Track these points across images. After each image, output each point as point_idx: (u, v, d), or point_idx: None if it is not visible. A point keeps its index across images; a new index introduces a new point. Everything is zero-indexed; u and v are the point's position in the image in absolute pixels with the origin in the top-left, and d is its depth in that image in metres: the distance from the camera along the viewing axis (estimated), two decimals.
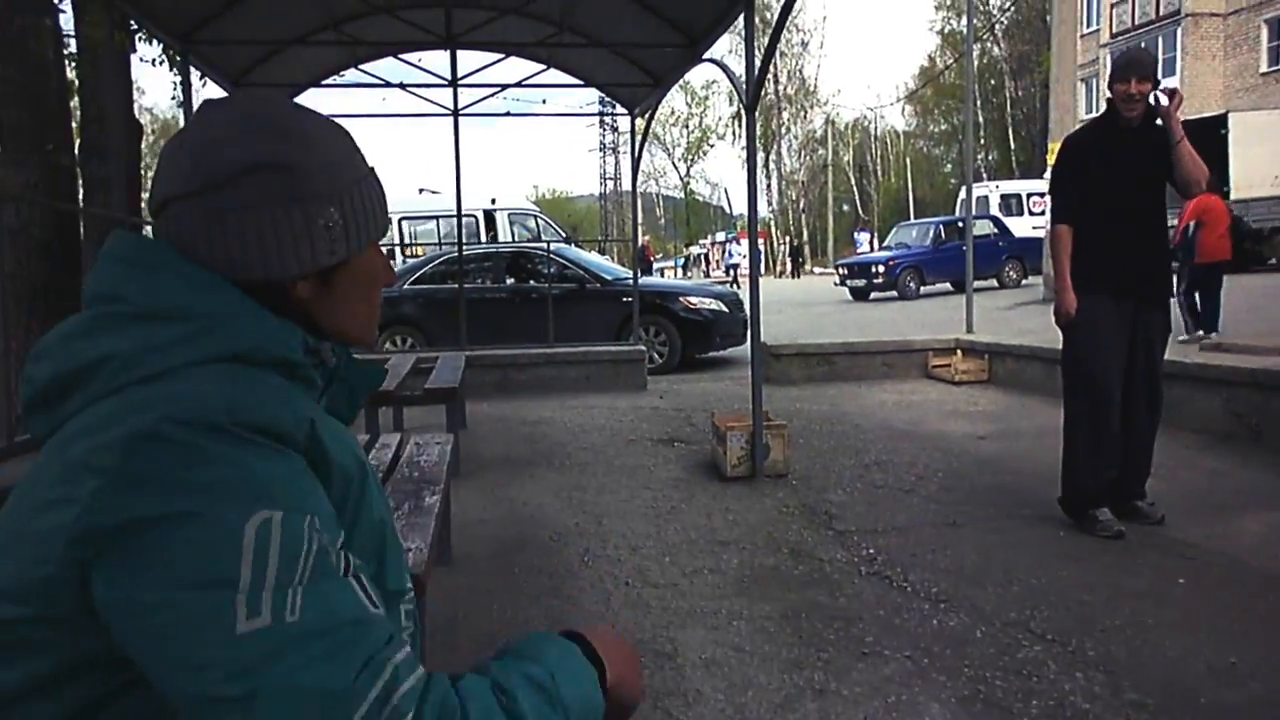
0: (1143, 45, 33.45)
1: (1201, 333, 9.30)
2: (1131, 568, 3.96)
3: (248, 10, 7.03)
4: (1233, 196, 19.93)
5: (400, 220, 16.79)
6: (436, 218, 16.88)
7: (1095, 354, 4.44)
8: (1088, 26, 36.12)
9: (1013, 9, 49.08)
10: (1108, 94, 4.50)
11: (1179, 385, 6.40)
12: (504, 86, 9.91)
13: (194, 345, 0.93)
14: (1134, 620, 3.39)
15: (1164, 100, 4.29)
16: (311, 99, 9.16)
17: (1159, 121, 4.39)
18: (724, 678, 3.05)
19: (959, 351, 9.74)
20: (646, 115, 10.47)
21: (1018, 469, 5.76)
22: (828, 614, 3.56)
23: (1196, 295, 9.71)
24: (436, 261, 12.18)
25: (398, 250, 15.73)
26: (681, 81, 10.79)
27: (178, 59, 8.33)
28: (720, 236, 58.29)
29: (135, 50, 9.71)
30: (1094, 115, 5.01)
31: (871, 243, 36.84)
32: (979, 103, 50.80)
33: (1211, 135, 18.85)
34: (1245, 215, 19.99)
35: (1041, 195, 16.03)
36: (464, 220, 16.37)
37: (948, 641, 3.28)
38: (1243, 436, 6.10)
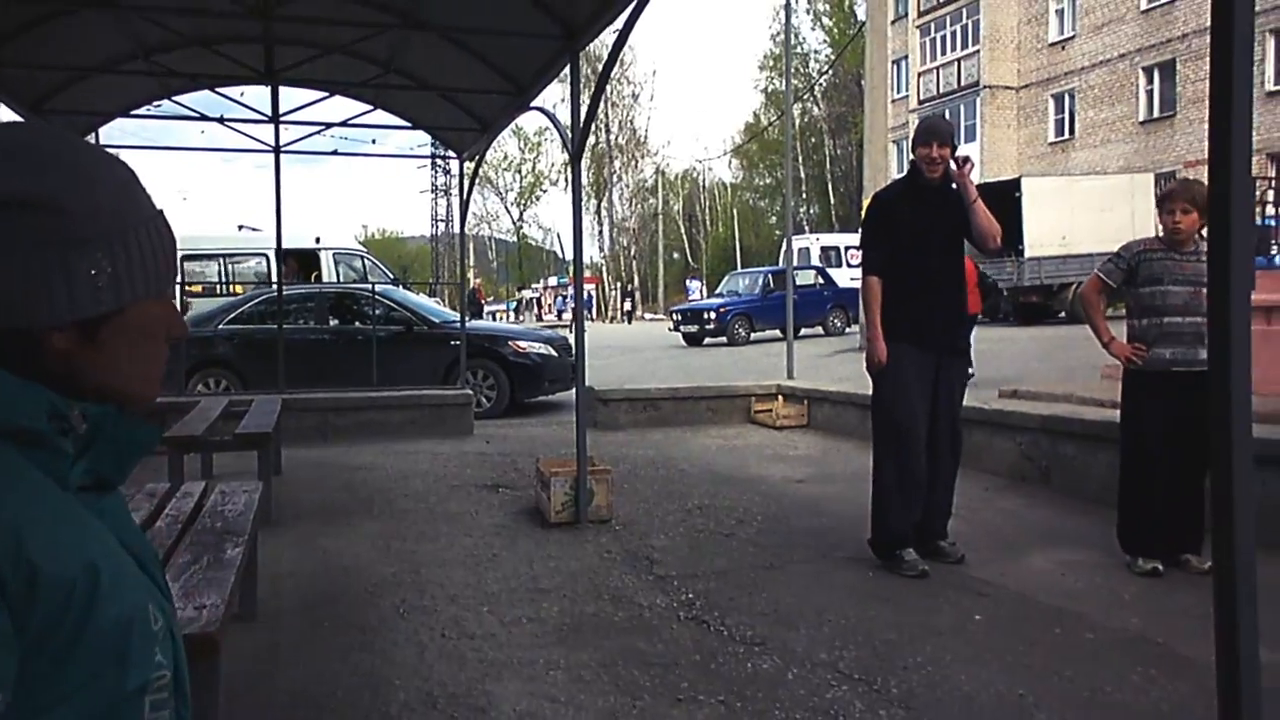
0: (945, 113, 35.83)
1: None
2: (933, 606, 4.14)
3: (49, 33, 6.64)
4: (1026, 255, 21.55)
5: (213, 258, 16.11)
6: (255, 255, 16.27)
7: (901, 401, 4.66)
8: (898, 92, 38.43)
9: (830, 72, 51.70)
10: (911, 156, 4.80)
11: (979, 430, 6.80)
12: (328, 125, 9.70)
13: None
14: (934, 657, 3.54)
15: (953, 166, 4.60)
16: (121, 129, 8.70)
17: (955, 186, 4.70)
18: None
19: (780, 397, 10.05)
20: (475, 159, 10.44)
21: (833, 511, 5.96)
22: (645, 660, 3.57)
23: None
24: (255, 301, 11.71)
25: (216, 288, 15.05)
26: (514, 126, 10.83)
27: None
28: (553, 281, 58.51)
29: None
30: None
31: (702, 290, 37.76)
32: (800, 159, 53.16)
33: (1007, 198, 20.29)
34: (1038, 272, 21.65)
35: (858, 248, 16.96)
36: (269, 260, 15.88)
37: (760, 684, 3.34)
38: (1034, 478, 6.51)
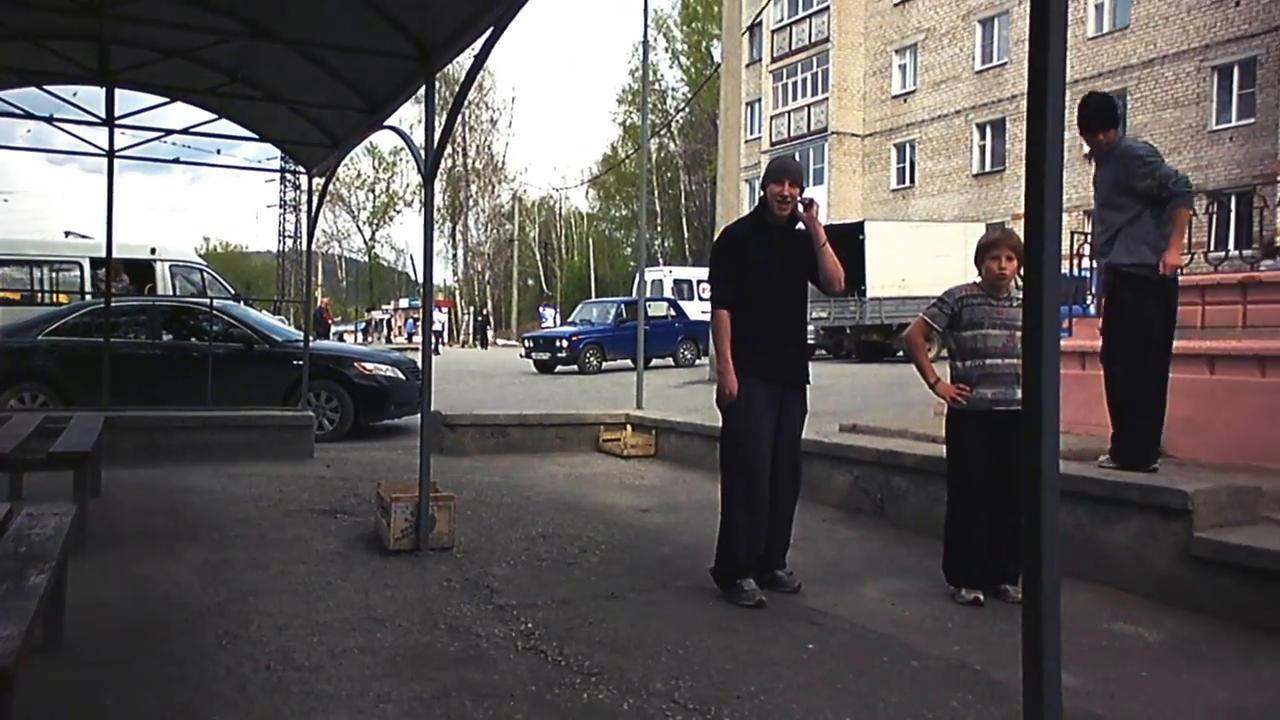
0: (796, 155, 37.13)
1: None
2: (769, 635, 4.22)
3: None
4: (868, 295, 22.46)
5: (36, 265, 15.16)
6: (72, 264, 15.39)
7: (753, 435, 4.73)
8: (751, 133, 39.65)
9: (687, 110, 52.80)
10: (761, 193, 4.90)
11: (819, 463, 7.00)
12: (169, 132, 9.27)
13: None
14: (767, 686, 3.61)
15: (800, 209, 4.76)
16: None
17: (801, 225, 4.85)
18: None
19: (628, 426, 10.12)
20: (326, 175, 10.17)
21: (676, 541, 6.02)
22: (479, 692, 3.50)
23: None
24: (80, 311, 11.05)
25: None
26: (369, 144, 10.63)
27: None
28: (404, 303, 57.43)
29: None
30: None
31: (555, 318, 37.78)
32: (656, 192, 54.04)
33: (851, 241, 21.14)
34: (879, 311, 22.57)
35: (709, 282, 17.40)
36: (82, 268, 15.07)
37: (596, 715, 3.32)
38: (869, 510, 6.75)
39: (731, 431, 4.82)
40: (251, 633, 4.08)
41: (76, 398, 9.86)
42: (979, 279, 4.89)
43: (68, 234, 17.86)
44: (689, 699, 3.46)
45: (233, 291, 16.90)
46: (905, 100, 35.49)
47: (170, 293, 15.09)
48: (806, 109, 38.12)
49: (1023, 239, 2.28)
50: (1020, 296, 3.94)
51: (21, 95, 8.57)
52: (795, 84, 38.74)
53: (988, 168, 32.37)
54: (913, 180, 35.22)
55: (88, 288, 14.51)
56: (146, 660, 3.73)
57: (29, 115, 8.63)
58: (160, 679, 3.54)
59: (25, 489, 6.36)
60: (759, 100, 40.59)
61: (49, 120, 8.73)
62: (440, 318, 42.86)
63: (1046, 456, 2.04)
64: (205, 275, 16.37)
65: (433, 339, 31.25)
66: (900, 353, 21.79)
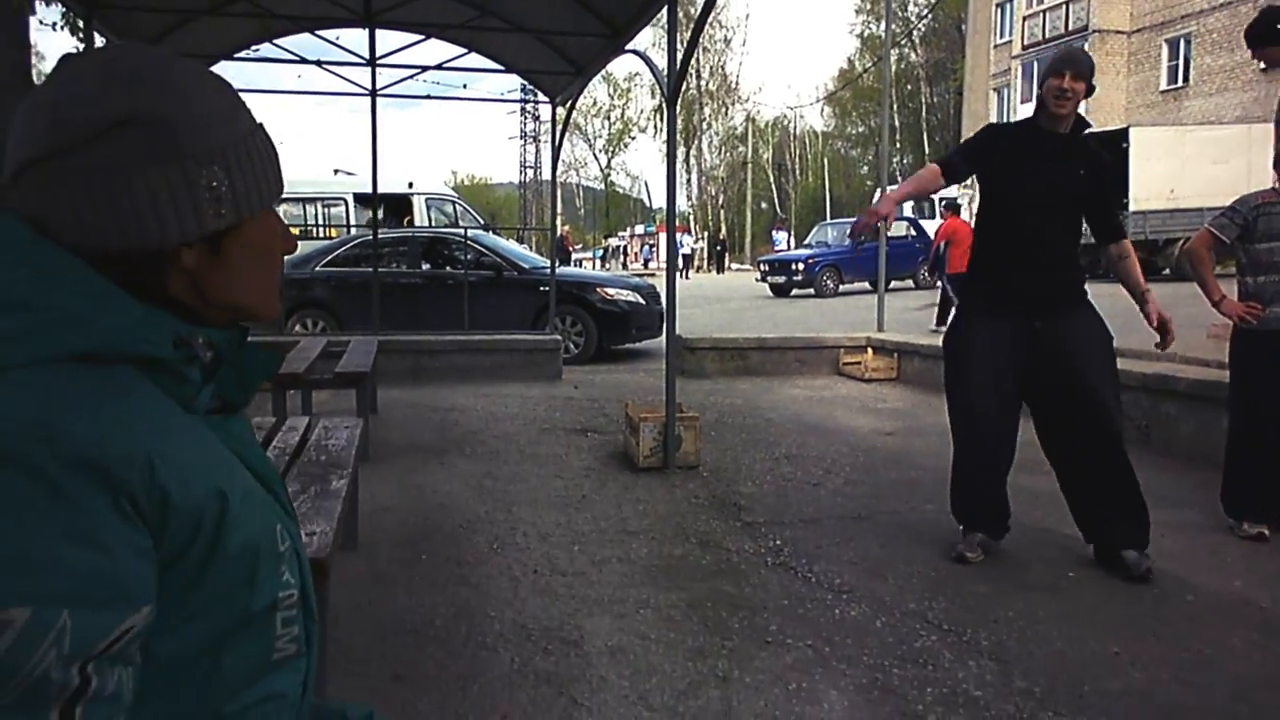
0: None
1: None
2: (1025, 563, 4.09)
3: None
4: (1131, 209, 20.72)
5: (310, 202, 16.45)
6: (344, 200, 16.57)
7: (967, 379, 4.07)
8: (1001, 37, 37.04)
9: (930, 16, 50.13)
10: (1038, 91, 4.08)
11: None
12: (424, 68, 9.78)
13: (30, 342, 0.81)
14: (1025, 612, 3.50)
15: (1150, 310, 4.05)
16: (223, 71, 8.89)
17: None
18: (628, 665, 3.07)
19: (869, 350, 9.94)
20: (568, 104, 10.43)
21: (921, 465, 5.90)
22: (733, 603, 3.60)
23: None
24: (350, 244, 11.95)
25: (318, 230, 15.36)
26: (604, 72, 10.78)
27: (80, 24, 8.01)
28: (639, 229, 58.39)
29: (34, 12, 9.30)
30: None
31: (789, 241, 37.31)
32: (895, 107, 51.85)
33: (1114, 149, 19.52)
34: (1143, 226, 20.78)
35: (953, 200, 16.61)
36: (347, 204, 16.09)
37: (849, 631, 3.35)
38: (1134, 438, 6.31)
39: (949, 372, 4.20)
40: (518, 539, 4.37)
41: (350, 323, 10.74)
42: (1277, 185, 4.41)
43: (336, 171, 19.24)
44: (942, 619, 3.43)
45: (483, 222, 17.72)
46: None
47: (426, 224, 16.00)
48: (1064, 6, 35.14)
49: None
50: None
51: (293, 42, 9.29)
52: None
53: None
54: (1187, 79, 31.97)
55: (353, 221, 15.60)
56: (429, 561, 4.08)
57: (302, 60, 9.32)
58: (442, 578, 3.87)
59: (315, 405, 7.04)
60: (1010, 1, 37.94)
61: (319, 63, 9.40)
62: (688, 241, 43.32)
63: None
64: (457, 207, 17.24)
65: (680, 263, 31.54)
66: (1166, 270, 20.09)
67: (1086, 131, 4.09)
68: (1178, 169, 20.78)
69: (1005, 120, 35.75)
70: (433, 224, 16.12)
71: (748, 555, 4.19)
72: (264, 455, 1.05)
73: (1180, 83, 32.37)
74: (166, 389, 0.89)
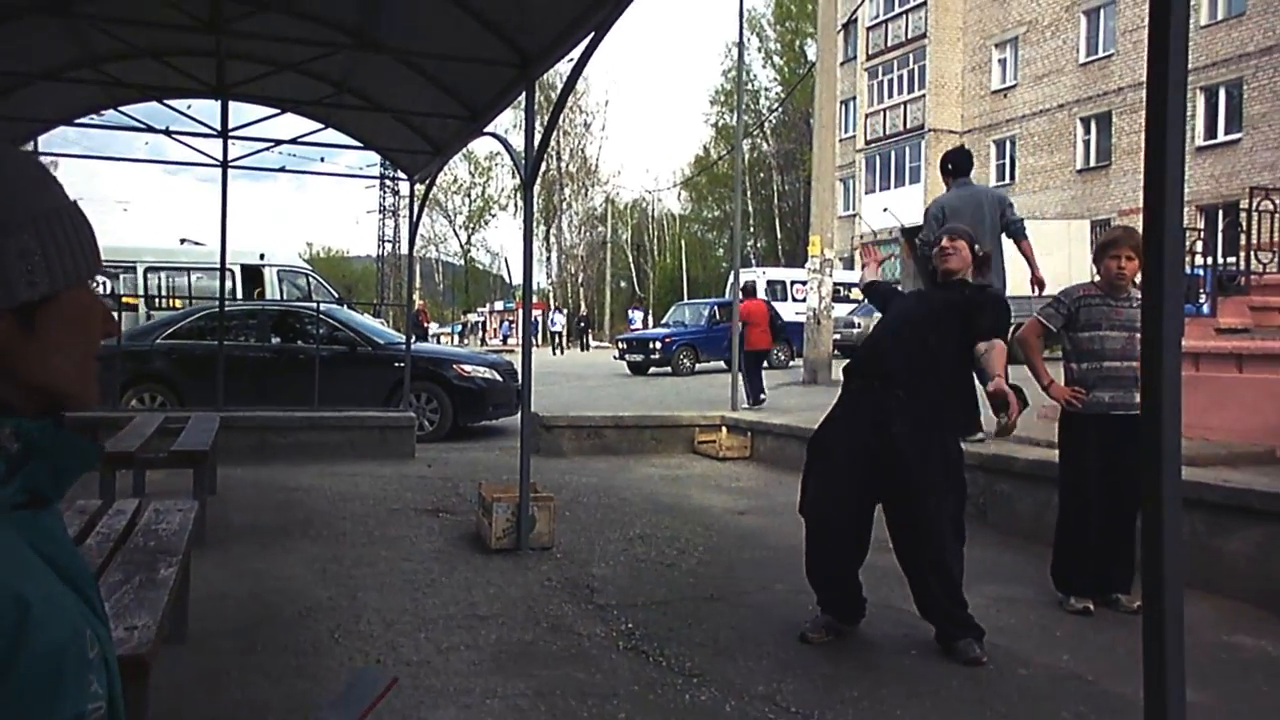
0: (891, 155, 36.62)
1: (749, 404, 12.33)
2: (871, 642, 4.18)
3: None
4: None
5: (153, 271, 15.84)
6: (189, 270, 16.05)
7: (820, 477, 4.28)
8: (846, 132, 39.12)
9: (780, 110, 52.46)
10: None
11: None
12: (278, 142, 9.62)
13: None
14: (871, 691, 3.57)
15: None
16: (62, 137, 8.53)
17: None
18: None
19: (724, 428, 10.11)
20: (427, 181, 10.41)
21: (773, 544, 5.99)
22: (583, 690, 3.55)
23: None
24: (195, 316, 11.51)
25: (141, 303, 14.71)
26: (466, 150, 10.82)
27: None
28: (499, 305, 58.23)
29: None
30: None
31: (645, 320, 37.88)
32: (748, 193, 53.79)
33: None
34: None
35: (804, 283, 17.40)
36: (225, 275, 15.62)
37: (699, 715, 3.34)
38: (972, 515, 6.57)
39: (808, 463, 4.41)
40: (361, 628, 4.21)
41: (192, 399, 10.27)
42: (1096, 278, 4.75)
43: (183, 241, 18.60)
44: (791, 702, 3.45)
45: (337, 295, 17.38)
46: (1005, 95, 34.59)
47: (278, 296, 15.58)
48: (903, 106, 37.45)
49: (1141, 237, 2.21)
50: (1139, 297, 3.80)
51: (141, 109, 9.00)
52: (891, 81, 38.09)
53: (1092, 163, 31.32)
54: (1013, 177, 34.30)
55: (239, 294, 15.10)
56: (265, 651, 3.88)
57: (150, 129, 9.04)
58: (279, 670, 3.68)
59: (148, 485, 6.68)
60: (854, 98, 40.01)
61: (167, 132, 9.13)
62: (560, 319, 43.50)
63: (1167, 464, 1.98)
64: (310, 280, 16.88)
65: (553, 339, 31.55)
66: None
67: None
68: (1008, 260, 22.12)
69: (853, 209, 37.59)
70: (285, 297, 15.72)
71: (599, 639, 4.15)
72: (76, 553, 0.98)
73: (1007, 180, 34.70)
74: None
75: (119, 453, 5.78)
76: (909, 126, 37.18)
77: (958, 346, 4.20)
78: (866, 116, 39.33)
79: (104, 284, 15.41)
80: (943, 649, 4.01)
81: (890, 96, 38.28)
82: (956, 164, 7.72)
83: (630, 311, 40.79)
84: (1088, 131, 31.74)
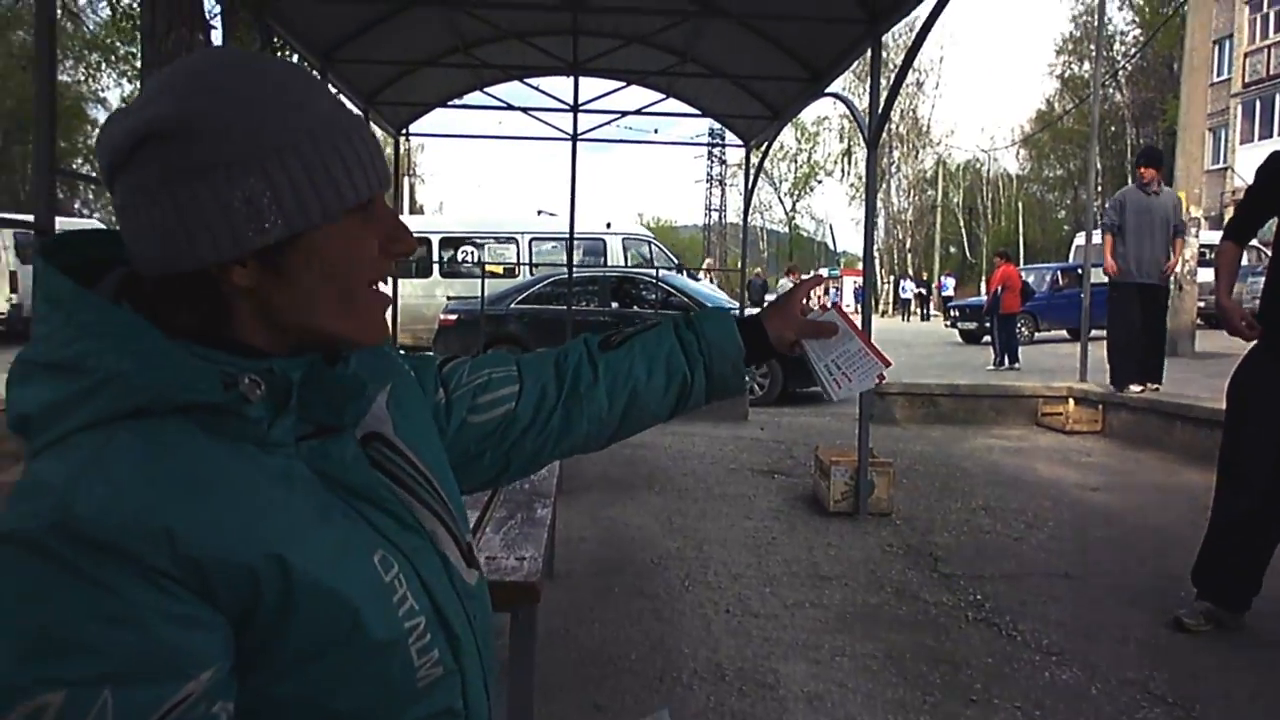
0: (1274, 98, 32.27)
1: (1007, 364, 13.68)
2: (1254, 635, 3.77)
3: (384, 31, 7.30)
4: None
5: (537, 241, 17.14)
6: (552, 239, 17.20)
7: (1249, 442, 3.69)
8: (1218, 75, 34.97)
9: (1138, 55, 47.81)
10: None
11: None
12: (623, 114, 10.05)
13: (81, 407, 0.78)
14: (1263, 690, 3.23)
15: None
16: (436, 118, 9.43)
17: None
18: (826, 713, 3.01)
19: (1071, 400, 9.46)
20: (761, 148, 10.49)
21: (1134, 524, 5.56)
22: (933, 657, 3.48)
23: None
24: (544, 282, 12.38)
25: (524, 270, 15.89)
26: (794, 118, 10.80)
27: (315, 76, 8.66)
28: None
29: None
30: (1220, 167, 4.61)
31: (954, 287, 36.16)
32: (1099, 149, 49.52)
33: None
34: None
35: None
36: (586, 244, 16.67)
37: (1061, 695, 3.18)
38: None
39: (1229, 429, 3.82)
40: (709, 578, 4.37)
41: None
42: None
43: (539, 212, 19.93)
44: (1167, 692, 3.20)
45: (676, 262, 17.92)
46: None
47: (622, 263, 16.26)
48: None
49: None
50: None
51: (500, 89, 9.76)
52: (1278, 13, 33.59)
53: None
54: None
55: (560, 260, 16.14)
56: (622, 593, 4.13)
57: (509, 107, 9.77)
58: (636, 611, 3.91)
59: None
60: (1230, 36, 35.66)
61: (524, 110, 9.82)
62: (911, 286, 42.85)
63: None
64: (653, 247, 17.49)
65: (906, 306, 31.21)
66: None
67: None
68: None
69: (1225, 161, 33.60)
70: (629, 263, 16.39)
71: (946, 608, 4.05)
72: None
73: None
74: (231, 432, 0.82)
75: None
76: None
77: None
78: (1246, 55, 34.89)
79: (470, 253, 16.92)
80: None
81: (1278, 31, 33.70)
82: None
83: (942, 278, 39.10)
84: None
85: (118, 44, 18.00)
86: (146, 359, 0.79)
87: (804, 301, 1.31)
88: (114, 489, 0.74)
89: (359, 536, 0.87)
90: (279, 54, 9.78)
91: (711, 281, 20.42)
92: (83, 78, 34.09)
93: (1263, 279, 3.89)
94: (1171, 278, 8.62)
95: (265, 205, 0.81)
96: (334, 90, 6.43)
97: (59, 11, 4.96)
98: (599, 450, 1.30)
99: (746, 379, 1.29)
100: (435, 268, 16.44)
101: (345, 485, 0.89)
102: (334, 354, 0.92)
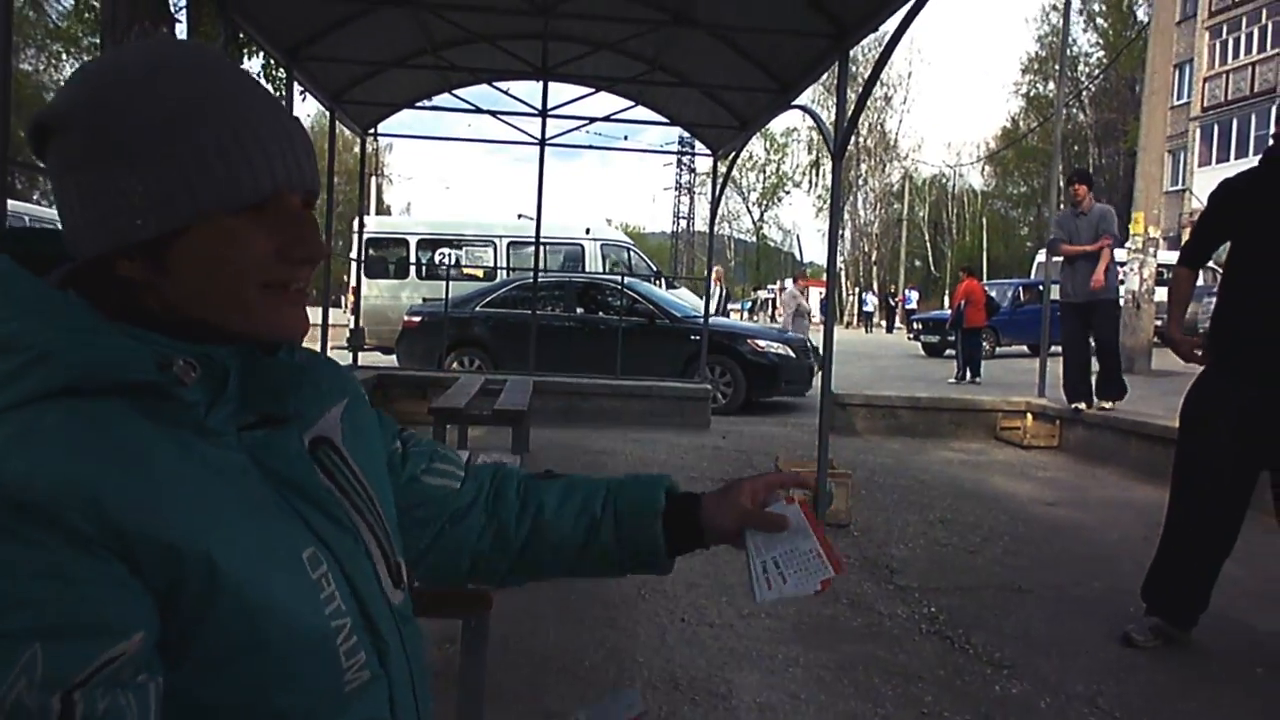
0: (1233, 122, 32.92)
1: (969, 378, 13.93)
2: (1208, 651, 3.82)
3: (352, 31, 7.25)
4: None
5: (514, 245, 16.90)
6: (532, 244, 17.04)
7: (1202, 459, 3.75)
8: (1178, 99, 35.62)
9: (1101, 77, 48.60)
10: (1271, 139, 3.81)
11: None
12: (591, 120, 10.06)
13: (12, 384, 0.78)
14: (1210, 706, 3.27)
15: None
16: (403, 119, 9.39)
17: None
18: None
19: (1029, 415, 9.57)
20: (729, 157, 10.53)
21: (1087, 539, 5.62)
22: (886, 669, 3.50)
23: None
24: (510, 286, 12.33)
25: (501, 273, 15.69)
26: (761, 128, 10.85)
27: (280, 74, 8.59)
28: (789, 283, 58.11)
29: (242, 63, 10.05)
30: (1179, 188, 4.71)
31: (920, 302, 36.49)
32: (1060, 167, 50.22)
33: None
34: None
35: (1122, 264, 15.98)
36: (565, 250, 16.55)
37: (1011, 709, 3.20)
38: None
39: (1182, 446, 3.90)
40: (666, 586, 4.36)
41: (504, 363, 11.03)
42: None
43: (519, 216, 19.78)
44: (1115, 706, 3.23)
45: (654, 269, 17.82)
46: None
47: (601, 269, 16.13)
48: (1250, 68, 33.61)
49: None
50: None
51: (469, 92, 9.72)
52: (1238, 40, 34.27)
53: None
54: None
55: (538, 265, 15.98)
56: (578, 601, 4.11)
57: (477, 110, 9.74)
58: (591, 620, 3.90)
59: (469, 440, 7.25)
60: (1190, 60, 36.36)
61: (492, 113, 9.80)
62: (871, 299, 43.04)
63: None
64: (631, 253, 17.34)
65: (868, 319, 31.24)
66: None
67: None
68: None
69: (1184, 183, 34.20)
70: (607, 269, 16.25)
71: (900, 620, 4.07)
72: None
73: None
74: (168, 418, 0.82)
75: (448, 408, 6.31)
76: (1258, 89, 33.26)
77: None
78: (1205, 80, 35.58)
79: (448, 255, 16.69)
80: None
81: (1235, 58, 34.41)
82: None
83: (906, 290, 39.48)
84: None
85: (80, 34, 17.76)
86: (78, 336, 0.79)
87: (762, 496, 1.23)
88: (43, 458, 0.74)
89: (290, 532, 0.88)
90: (244, 50, 9.72)
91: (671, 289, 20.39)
92: (44, 67, 33.58)
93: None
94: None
95: (137, 201, 0.81)
96: (298, 88, 6.34)
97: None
98: (499, 586, 1.35)
99: (663, 548, 1.26)
100: (412, 269, 16.24)
101: (284, 479, 0.89)
102: (268, 345, 0.92)
